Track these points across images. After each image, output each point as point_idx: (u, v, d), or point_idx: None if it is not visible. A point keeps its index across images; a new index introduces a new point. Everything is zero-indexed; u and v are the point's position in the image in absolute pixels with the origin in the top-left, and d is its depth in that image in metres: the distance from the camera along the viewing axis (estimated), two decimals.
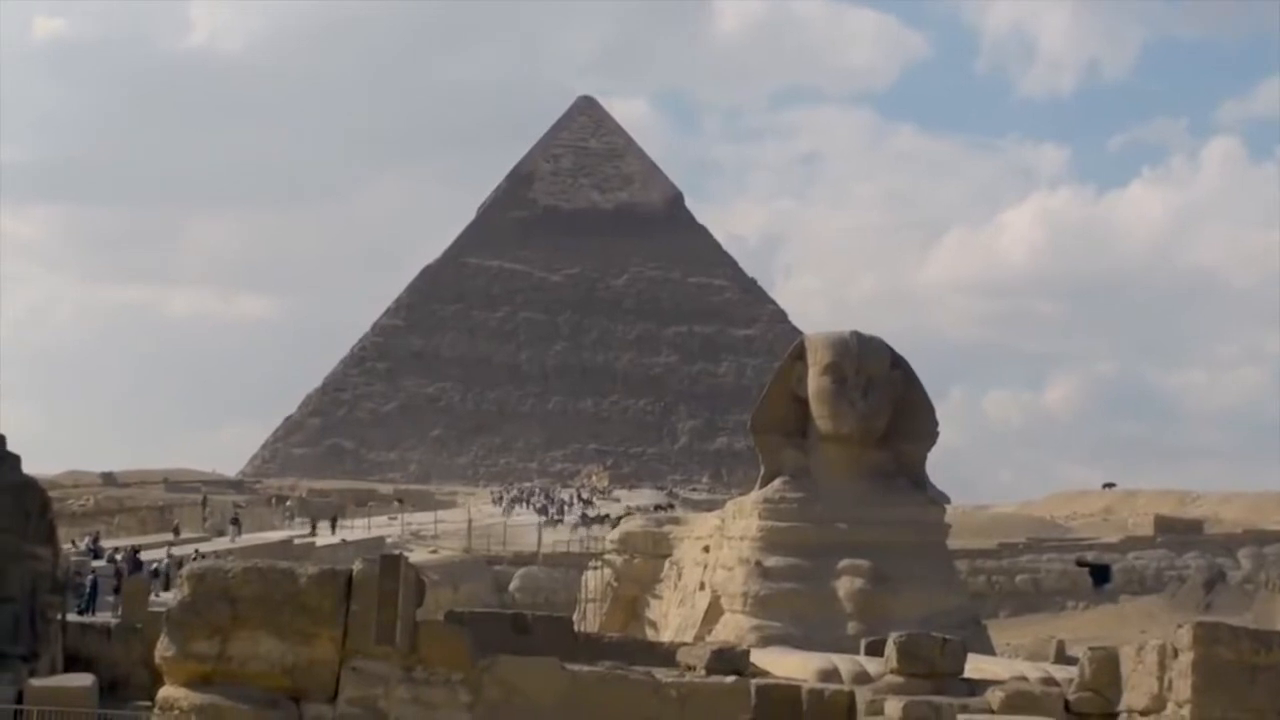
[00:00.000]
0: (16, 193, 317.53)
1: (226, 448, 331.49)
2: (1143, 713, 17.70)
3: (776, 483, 37.55)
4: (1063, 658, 36.87)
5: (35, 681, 22.10)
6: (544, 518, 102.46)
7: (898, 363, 37.56)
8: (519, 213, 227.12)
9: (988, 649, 33.98)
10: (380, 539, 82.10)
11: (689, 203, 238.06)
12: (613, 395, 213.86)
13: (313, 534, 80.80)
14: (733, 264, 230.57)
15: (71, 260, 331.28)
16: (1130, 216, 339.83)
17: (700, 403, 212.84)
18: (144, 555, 52.06)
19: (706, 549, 40.99)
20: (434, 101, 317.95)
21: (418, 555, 69.18)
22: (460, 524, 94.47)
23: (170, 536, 68.59)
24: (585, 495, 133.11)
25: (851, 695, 19.45)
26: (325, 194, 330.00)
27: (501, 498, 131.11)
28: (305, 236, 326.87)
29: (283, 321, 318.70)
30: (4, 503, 24.50)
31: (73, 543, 55.74)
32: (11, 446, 25.52)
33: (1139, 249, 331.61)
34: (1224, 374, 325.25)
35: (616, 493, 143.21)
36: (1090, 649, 19.37)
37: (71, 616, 29.68)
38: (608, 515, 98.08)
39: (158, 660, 17.72)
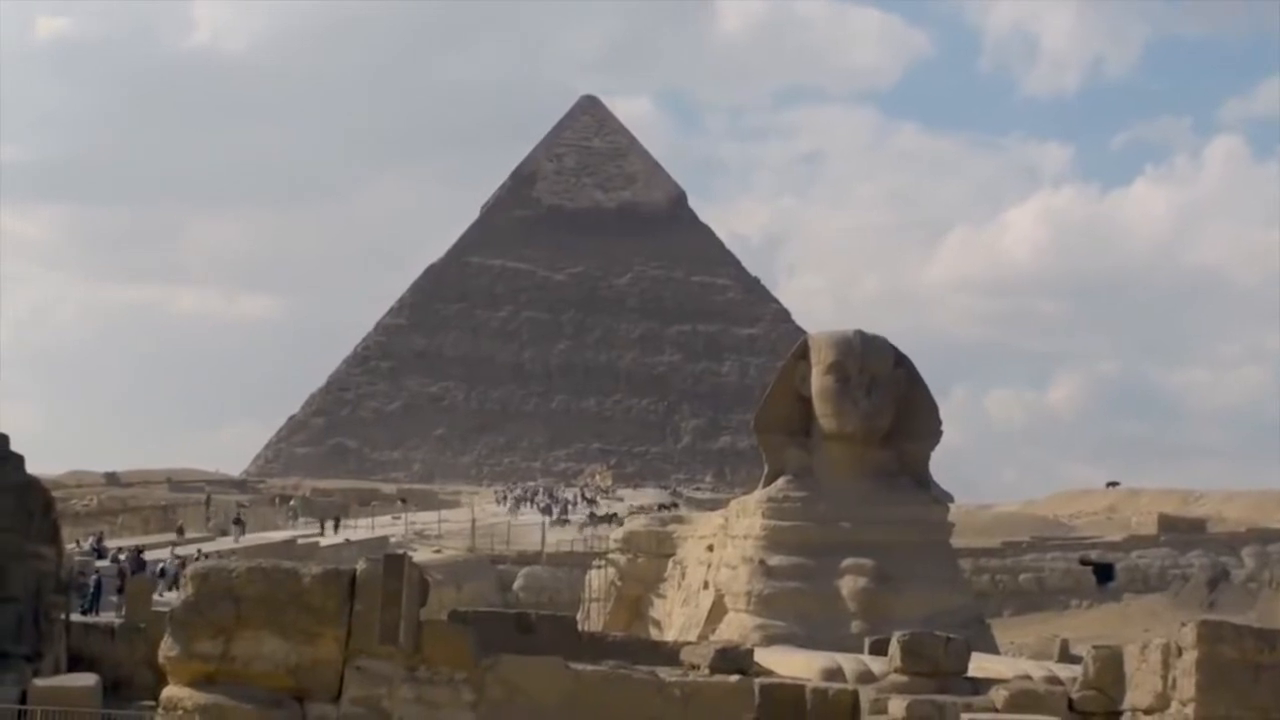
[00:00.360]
0: (19, 192, 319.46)
1: (230, 447, 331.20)
2: (1146, 711, 17.68)
3: (780, 482, 37.57)
4: (1066, 656, 36.95)
5: (39, 681, 22.10)
6: (548, 518, 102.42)
7: (901, 362, 37.57)
8: (522, 212, 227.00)
9: (992, 648, 33.96)
10: (384, 538, 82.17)
11: (692, 202, 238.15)
12: (616, 394, 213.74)
13: (320, 534, 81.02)
14: (736, 263, 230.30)
15: (74, 260, 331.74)
16: (1133, 215, 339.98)
17: (703, 402, 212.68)
18: (147, 555, 52.18)
19: (710, 548, 40.98)
20: (435, 101, 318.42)
21: (421, 555, 69.28)
22: (464, 523, 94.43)
23: (174, 536, 68.70)
24: (589, 495, 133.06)
25: (855, 694, 19.44)
26: (326, 193, 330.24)
27: (505, 497, 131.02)
28: (307, 236, 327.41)
29: (285, 321, 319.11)
30: (7, 503, 24.49)
31: (76, 543, 55.84)
32: (14, 446, 25.51)
33: (1142, 248, 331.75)
34: (1227, 373, 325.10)
35: (620, 492, 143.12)
36: (1094, 648, 19.34)
37: (75, 616, 29.68)
38: (615, 514, 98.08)
39: (161, 660, 17.71)
